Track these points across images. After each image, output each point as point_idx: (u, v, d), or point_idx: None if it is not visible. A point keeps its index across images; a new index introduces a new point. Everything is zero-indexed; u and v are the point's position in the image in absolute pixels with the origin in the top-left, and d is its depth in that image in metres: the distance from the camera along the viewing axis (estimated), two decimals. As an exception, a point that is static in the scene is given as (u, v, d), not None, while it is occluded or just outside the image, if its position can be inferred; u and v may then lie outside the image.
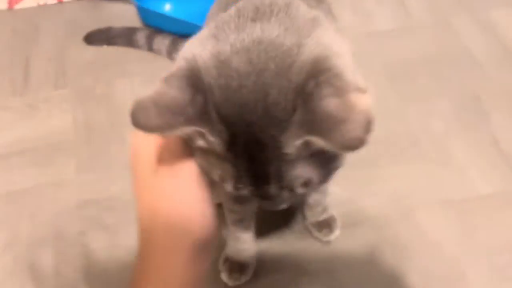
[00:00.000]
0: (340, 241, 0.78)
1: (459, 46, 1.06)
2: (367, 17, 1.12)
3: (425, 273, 0.74)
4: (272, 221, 0.80)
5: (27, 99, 0.97)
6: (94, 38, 1.07)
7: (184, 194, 0.38)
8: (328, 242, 0.77)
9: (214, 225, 0.40)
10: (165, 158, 0.39)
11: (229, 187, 0.35)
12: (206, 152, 0.35)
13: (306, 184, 0.34)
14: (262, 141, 0.32)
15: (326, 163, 0.34)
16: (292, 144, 0.31)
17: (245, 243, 0.71)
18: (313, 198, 0.73)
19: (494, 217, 0.80)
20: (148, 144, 0.40)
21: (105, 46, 1.07)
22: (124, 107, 1.07)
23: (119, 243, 0.78)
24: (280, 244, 0.78)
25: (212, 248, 0.41)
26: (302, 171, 0.33)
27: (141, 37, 1.04)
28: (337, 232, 0.77)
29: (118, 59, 1.04)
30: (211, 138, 0.32)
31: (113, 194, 0.83)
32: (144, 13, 1.07)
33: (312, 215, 0.77)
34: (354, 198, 0.82)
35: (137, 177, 0.40)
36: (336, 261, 0.76)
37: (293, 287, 0.73)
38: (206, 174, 0.37)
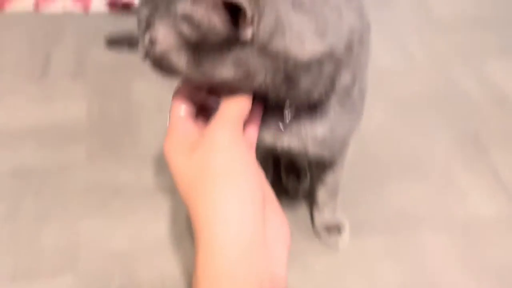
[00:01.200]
0: (348, 248, 0.77)
1: (458, 88, 1.13)
2: (375, 57, 1.20)
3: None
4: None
5: (44, 87, 0.99)
6: (116, 43, 1.11)
7: (221, 156, 0.37)
8: (336, 248, 0.77)
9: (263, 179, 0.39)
10: (196, 139, 0.40)
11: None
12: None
13: None
14: None
15: None
16: None
17: None
18: (322, 196, 0.74)
19: (497, 240, 0.81)
20: (176, 142, 0.40)
21: (125, 52, 1.10)
22: (140, 105, 1.10)
23: (119, 226, 0.77)
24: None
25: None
26: None
27: (162, 46, 1.08)
28: (346, 238, 0.77)
29: (138, 64, 1.06)
30: None
31: (122, 182, 0.83)
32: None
33: (321, 217, 0.77)
34: (364, 210, 0.83)
35: (174, 171, 0.40)
36: (342, 265, 0.75)
37: (299, 285, 0.72)
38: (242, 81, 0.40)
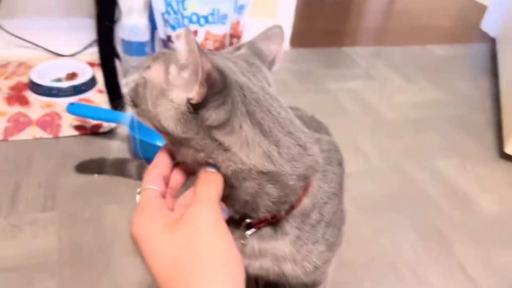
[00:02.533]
0: None
1: (415, 187, 1.22)
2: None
3: None
4: None
5: (12, 220, 0.97)
6: (86, 167, 1.13)
7: (209, 238, 0.38)
8: None
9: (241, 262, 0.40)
10: (172, 217, 0.40)
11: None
12: None
13: None
14: None
15: None
16: None
17: None
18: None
19: None
20: (149, 219, 0.40)
21: (96, 175, 1.12)
22: (113, 230, 1.09)
23: None
24: None
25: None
26: None
27: (132, 166, 1.11)
28: None
29: (109, 187, 1.09)
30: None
31: (97, 316, 0.79)
32: (140, 145, 1.14)
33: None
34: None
35: (150, 251, 0.39)
36: None
37: None
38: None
